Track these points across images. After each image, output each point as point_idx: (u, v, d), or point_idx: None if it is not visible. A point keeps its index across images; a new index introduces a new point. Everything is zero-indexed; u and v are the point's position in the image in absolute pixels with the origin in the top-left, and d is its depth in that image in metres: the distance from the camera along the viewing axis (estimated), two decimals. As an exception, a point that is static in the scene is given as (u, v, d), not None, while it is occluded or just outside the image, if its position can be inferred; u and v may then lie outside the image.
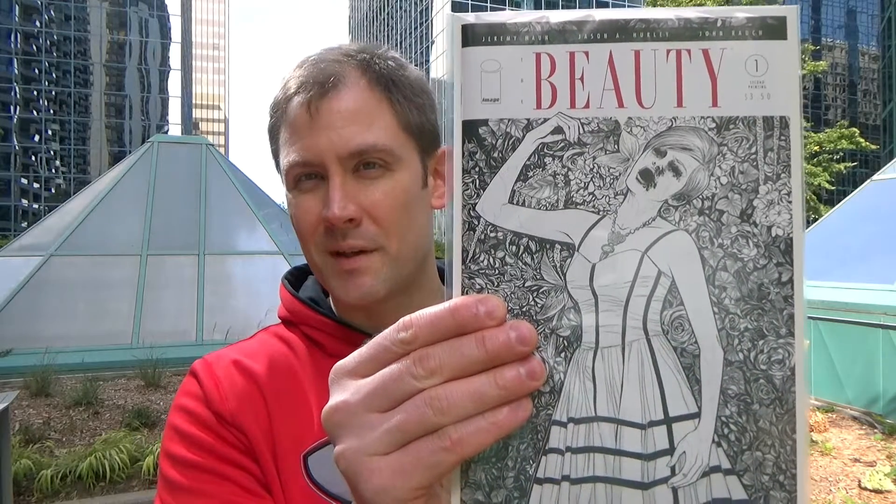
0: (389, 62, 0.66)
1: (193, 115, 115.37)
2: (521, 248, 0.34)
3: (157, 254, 8.67)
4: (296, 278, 0.80)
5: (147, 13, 71.62)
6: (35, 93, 63.84)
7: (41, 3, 63.58)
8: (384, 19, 79.62)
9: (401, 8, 72.98)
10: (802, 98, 0.34)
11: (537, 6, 62.29)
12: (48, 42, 64.31)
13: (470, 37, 0.34)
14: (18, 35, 61.16)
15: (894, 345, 5.43)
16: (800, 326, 0.32)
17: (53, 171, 66.71)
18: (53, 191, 65.00)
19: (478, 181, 0.34)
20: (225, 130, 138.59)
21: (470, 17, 0.34)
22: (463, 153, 0.34)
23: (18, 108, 61.77)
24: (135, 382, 6.86)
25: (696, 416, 0.32)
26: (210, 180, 9.74)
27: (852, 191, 7.59)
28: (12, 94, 60.51)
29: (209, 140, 10.91)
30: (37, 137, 63.90)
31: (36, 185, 64.44)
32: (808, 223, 18.33)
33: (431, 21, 62.61)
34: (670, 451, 0.32)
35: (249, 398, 0.67)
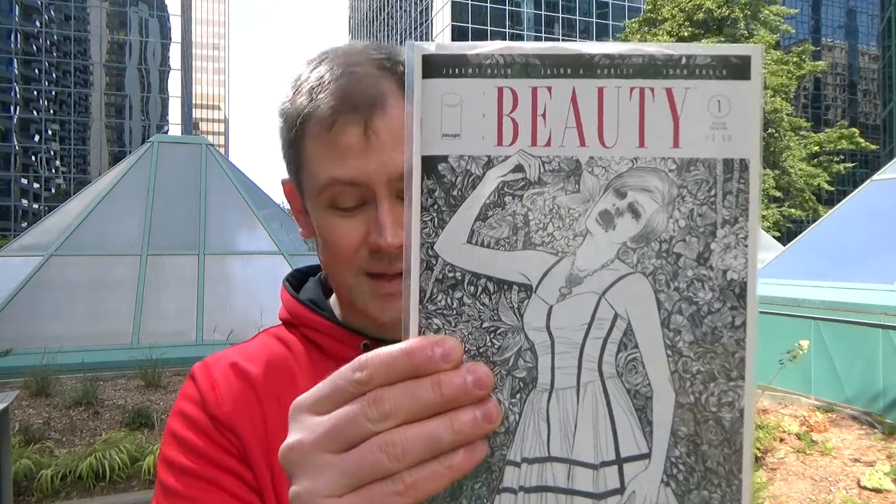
0: None
1: (193, 115, 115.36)
2: (480, 288, 0.33)
3: (157, 254, 8.66)
4: (297, 280, 0.80)
5: (147, 13, 71.62)
6: (35, 93, 63.83)
7: (41, 3, 63.58)
8: (384, 19, 79.62)
9: (401, 8, 72.98)
10: (761, 140, 0.33)
11: (537, 7, 62.31)
12: (48, 42, 64.31)
13: (431, 67, 0.33)
14: (18, 35, 61.16)
15: (894, 345, 5.43)
16: (750, 370, 0.33)
17: (53, 171, 66.71)
18: (53, 191, 65.00)
19: (436, 219, 0.33)
20: (225, 130, 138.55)
21: (431, 47, 0.33)
22: (422, 190, 0.33)
23: (18, 108, 61.76)
24: (135, 382, 6.86)
25: (647, 456, 0.33)
26: (210, 180, 9.74)
27: (852, 191, 7.59)
28: (12, 94, 60.51)
29: (209, 140, 10.91)
30: (37, 137, 63.90)
31: (36, 185, 64.44)
32: (808, 223, 18.32)
33: (431, 21, 62.62)
34: (621, 490, 0.33)
35: (245, 401, 0.67)
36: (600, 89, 0.33)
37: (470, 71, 0.33)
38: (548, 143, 0.33)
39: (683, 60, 0.33)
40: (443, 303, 0.33)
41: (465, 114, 0.33)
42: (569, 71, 0.33)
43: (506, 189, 0.33)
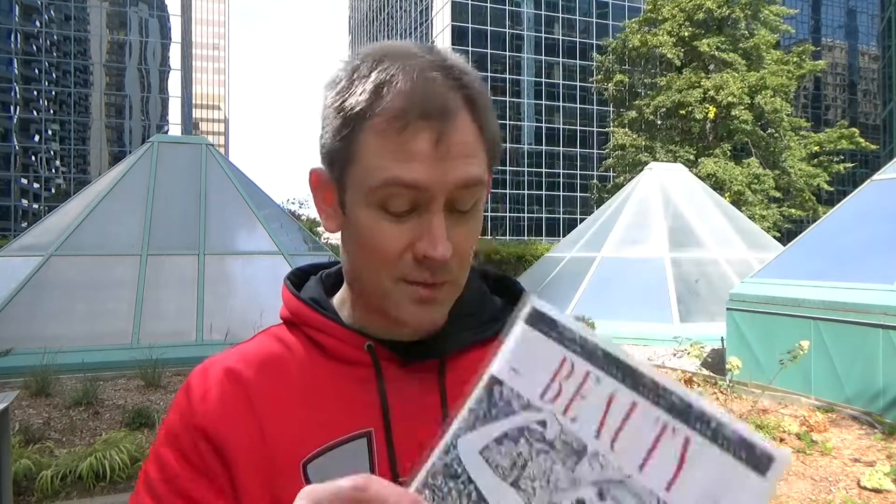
0: (477, 83, 0.64)
1: (193, 115, 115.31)
2: (469, 494, 0.39)
3: (157, 254, 8.66)
4: (298, 279, 0.79)
5: (147, 13, 71.59)
6: (35, 93, 63.83)
7: (41, 3, 63.57)
8: (384, 19, 79.60)
9: (401, 8, 72.96)
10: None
11: (537, 7, 62.26)
12: (48, 42, 64.30)
13: (533, 319, 0.41)
14: (18, 35, 61.15)
15: (894, 345, 5.43)
16: None
17: (53, 171, 66.70)
18: (53, 191, 64.98)
19: (473, 421, 0.40)
20: (225, 130, 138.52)
21: (544, 307, 0.41)
22: (480, 395, 0.41)
23: (18, 108, 61.75)
24: (135, 382, 6.86)
25: None
26: (210, 180, 9.74)
27: (852, 191, 7.58)
28: (12, 94, 60.50)
29: (209, 140, 10.91)
30: (37, 137, 63.89)
31: (36, 185, 64.42)
32: (808, 223, 18.30)
33: (431, 21, 62.59)
34: None
35: (236, 411, 0.67)
36: (634, 403, 0.37)
37: (554, 335, 0.40)
38: (574, 420, 0.38)
39: (714, 423, 0.34)
40: (440, 482, 0.40)
41: (534, 362, 0.40)
42: (620, 375, 0.37)
43: (525, 432, 0.39)
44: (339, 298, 0.75)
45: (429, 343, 0.68)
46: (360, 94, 0.61)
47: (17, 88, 60.88)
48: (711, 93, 26.52)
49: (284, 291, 0.75)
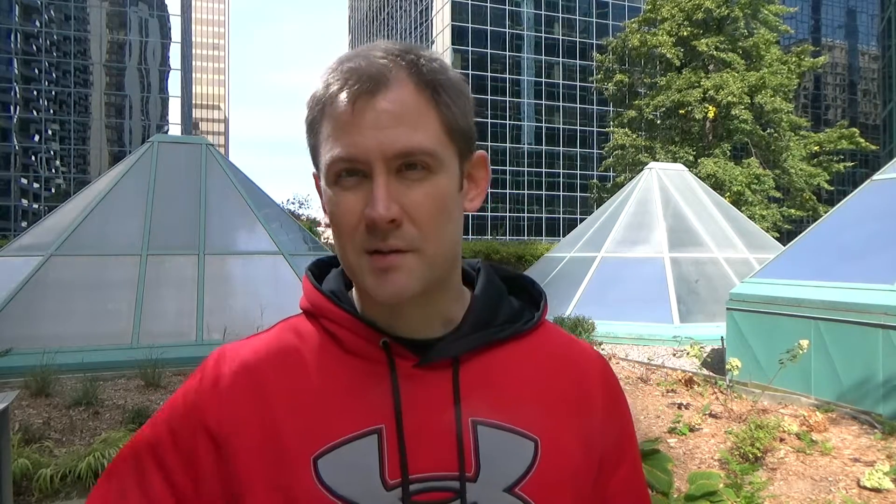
0: (434, 64, 0.66)
1: (193, 115, 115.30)
2: None
3: (157, 254, 8.66)
4: (320, 270, 0.79)
5: (147, 13, 71.56)
6: (35, 93, 63.80)
7: (41, 3, 63.54)
8: (384, 19, 79.59)
9: (401, 8, 72.95)
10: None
11: (537, 7, 62.27)
12: (48, 42, 64.27)
13: None
14: (18, 35, 61.12)
15: (894, 345, 5.43)
16: None
17: (53, 171, 66.67)
18: (53, 191, 64.95)
19: None
20: (225, 130, 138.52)
21: None
22: None
23: (18, 108, 61.73)
24: (135, 382, 6.86)
25: None
26: (210, 180, 9.73)
27: (852, 191, 7.58)
28: (12, 94, 60.47)
29: (209, 140, 10.90)
30: (37, 137, 63.87)
31: (36, 185, 64.40)
32: (808, 223, 18.30)
33: (431, 21, 62.58)
34: None
35: (247, 404, 0.68)
36: None
37: None
38: None
39: None
40: None
41: None
42: None
43: None
44: (355, 290, 0.75)
45: (444, 342, 0.69)
46: (317, 89, 0.66)
47: (17, 88, 60.85)
48: (711, 92, 26.49)
49: (305, 282, 0.76)
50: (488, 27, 59.89)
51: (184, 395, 0.71)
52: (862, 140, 27.69)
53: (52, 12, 64.54)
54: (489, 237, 39.25)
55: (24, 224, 54.47)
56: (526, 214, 61.93)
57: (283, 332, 0.74)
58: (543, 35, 62.51)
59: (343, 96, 0.63)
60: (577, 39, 63.28)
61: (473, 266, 0.78)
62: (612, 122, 34.02)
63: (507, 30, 60.75)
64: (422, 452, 0.66)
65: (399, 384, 0.67)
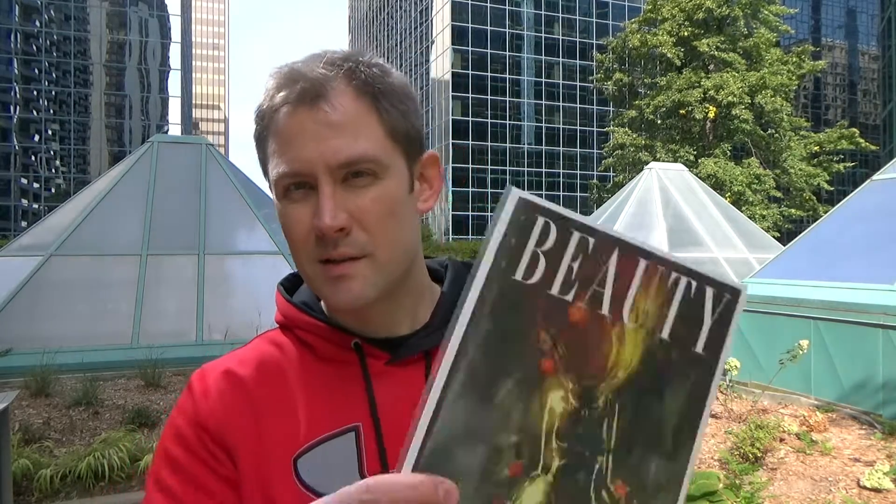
0: (374, 69, 0.66)
1: (193, 115, 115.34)
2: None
3: (157, 254, 8.66)
4: (291, 284, 0.81)
5: (147, 13, 71.57)
6: (35, 93, 63.81)
7: (41, 3, 63.55)
8: (384, 19, 79.60)
9: (401, 8, 72.95)
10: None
11: (537, 7, 62.26)
12: (48, 42, 64.27)
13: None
14: (18, 35, 61.13)
15: (894, 345, 5.43)
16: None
17: (53, 171, 66.69)
18: (53, 191, 64.97)
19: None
20: (225, 130, 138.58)
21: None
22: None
23: (18, 108, 61.74)
24: (135, 382, 6.86)
25: None
26: (210, 180, 9.73)
27: (852, 191, 7.58)
28: (12, 94, 60.49)
29: (209, 140, 10.90)
30: (37, 137, 63.88)
31: (36, 185, 64.41)
32: (808, 223, 18.29)
33: (431, 21, 62.58)
34: None
35: (236, 408, 0.69)
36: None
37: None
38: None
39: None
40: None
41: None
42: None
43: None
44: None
45: (415, 338, 0.70)
46: (261, 102, 0.66)
47: (17, 88, 60.86)
48: (711, 92, 26.51)
49: (277, 296, 0.78)
50: (488, 27, 59.88)
51: (182, 413, 0.71)
52: (862, 140, 27.69)
53: (52, 12, 64.54)
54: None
55: (24, 224, 54.48)
56: (526, 214, 61.78)
57: (260, 344, 0.75)
58: (543, 35, 62.50)
59: (284, 110, 0.63)
60: (577, 39, 63.27)
61: (442, 264, 0.80)
62: (612, 122, 34.04)
63: (507, 30, 60.74)
64: (401, 447, 0.66)
65: (372, 381, 0.69)
